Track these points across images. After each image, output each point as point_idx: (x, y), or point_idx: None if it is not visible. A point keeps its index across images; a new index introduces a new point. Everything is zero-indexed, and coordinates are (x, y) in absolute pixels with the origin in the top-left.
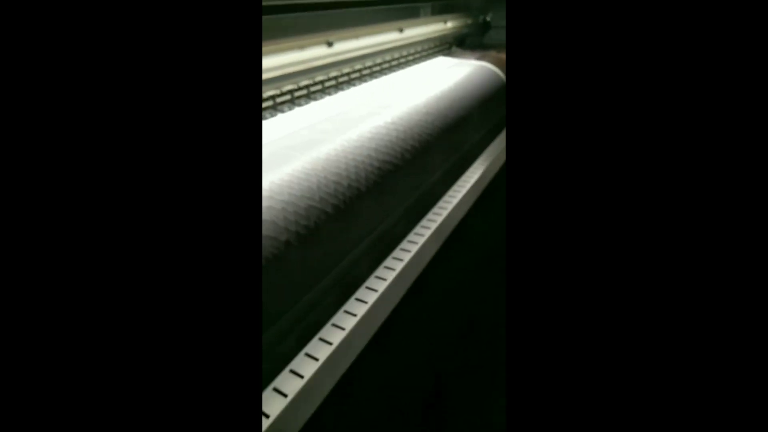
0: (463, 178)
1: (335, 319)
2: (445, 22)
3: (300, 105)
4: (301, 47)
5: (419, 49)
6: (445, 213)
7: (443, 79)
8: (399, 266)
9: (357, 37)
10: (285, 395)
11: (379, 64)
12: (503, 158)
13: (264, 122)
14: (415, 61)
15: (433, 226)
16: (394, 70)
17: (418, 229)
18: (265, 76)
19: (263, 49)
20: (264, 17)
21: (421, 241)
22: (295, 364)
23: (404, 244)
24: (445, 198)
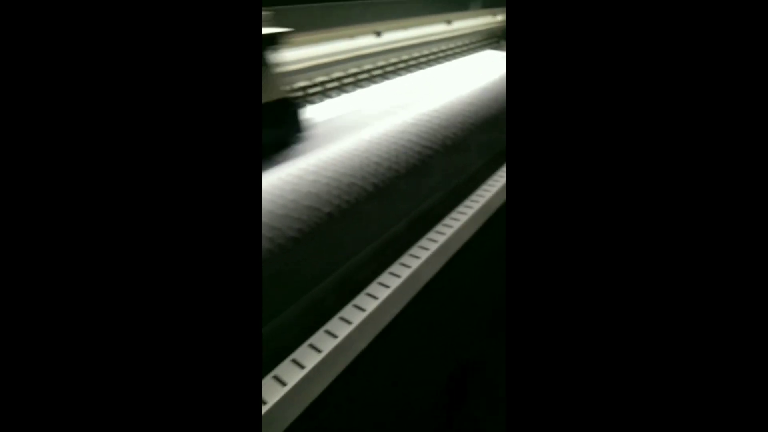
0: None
1: (370, 289)
2: (495, 15)
3: (347, 92)
4: (351, 36)
5: (467, 41)
6: (483, 201)
7: (490, 71)
8: (434, 246)
9: (405, 27)
10: (327, 344)
11: (426, 56)
12: None
13: (313, 106)
14: (463, 53)
15: (470, 212)
16: (441, 62)
17: (453, 214)
18: (315, 62)
19: (315, 36)
20: (316, 5)
21: (457, 225)
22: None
23: (438, 228)
24: (484, 186)
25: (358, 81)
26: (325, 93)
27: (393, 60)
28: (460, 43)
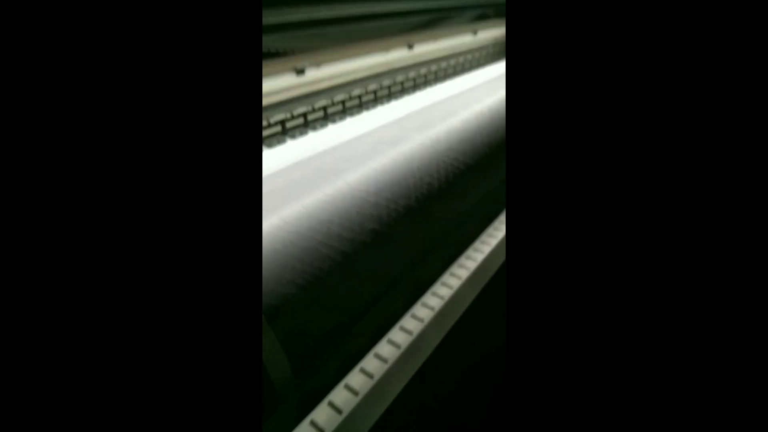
0: None
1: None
2: None
3: (383, 104)
4: (386, 49)
5: (490, 51)
6: None
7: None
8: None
9: (435, 39)
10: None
11: (453, 66)
12: None
13: (351, 119)
14: (488, 62)
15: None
16: (468, 72)
17: (495, 224)
18: (352, 77)
19: (350, 52)
20: (351, 26)
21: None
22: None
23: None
24: None
25: (391, 93)
26: (362, 106)
27: (423, 71)
28: (484, 52)
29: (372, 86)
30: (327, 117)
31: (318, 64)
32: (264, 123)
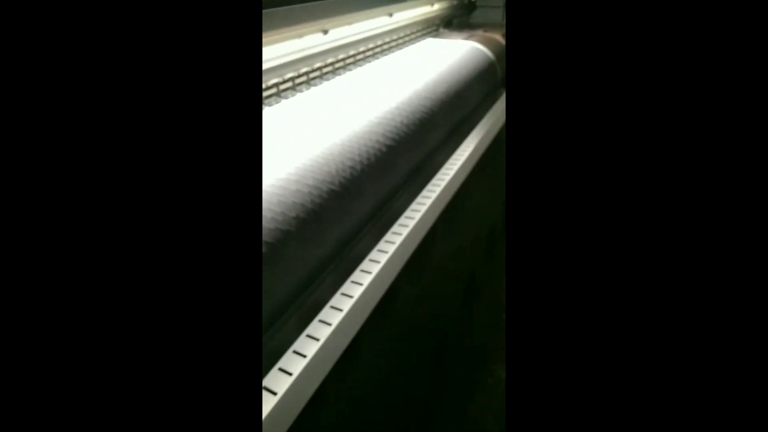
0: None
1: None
2: (432, 4)
3: (301, 91)
4: (300, 36)
5: (408, 32)
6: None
7: (436, 60)
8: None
9: (350, 23)
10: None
11: (372, 49)
12: (500, 123)
13: (269, 108)
14: (405, 44)
15: (433, 196)
16: (386, 54)
17: (419, 199)
18: (268, 65)
19: (266, 39)
20: (265, 10)
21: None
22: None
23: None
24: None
25: (310, 80)
26: (279, 94)
27: (341, 56)
28: (402, 34)
29: (289, 74)
30: None
31: None
32: None
